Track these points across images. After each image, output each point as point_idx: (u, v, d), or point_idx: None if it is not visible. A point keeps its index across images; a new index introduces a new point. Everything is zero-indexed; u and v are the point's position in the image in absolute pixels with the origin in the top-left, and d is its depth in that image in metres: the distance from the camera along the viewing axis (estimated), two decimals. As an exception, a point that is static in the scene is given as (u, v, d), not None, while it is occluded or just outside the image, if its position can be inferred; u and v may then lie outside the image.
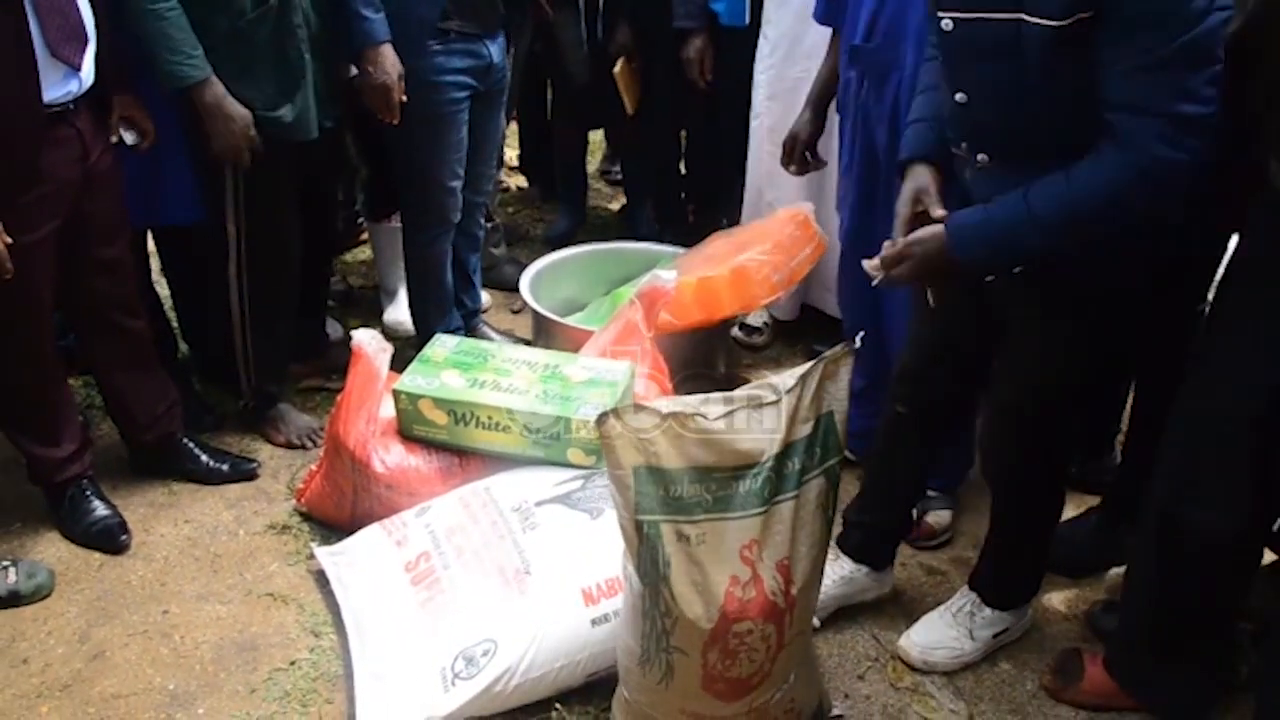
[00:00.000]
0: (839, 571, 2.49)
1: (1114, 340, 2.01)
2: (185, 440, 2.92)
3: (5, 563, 2.51)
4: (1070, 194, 1.74)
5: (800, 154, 2.82)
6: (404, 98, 2.88)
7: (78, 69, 2.30)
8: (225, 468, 2.94)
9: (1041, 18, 1.70)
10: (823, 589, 2.46)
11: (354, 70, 2.91)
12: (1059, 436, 2.16)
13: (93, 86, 2.39)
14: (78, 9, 2.28)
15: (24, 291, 2.36)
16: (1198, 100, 1.64)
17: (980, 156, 1.94)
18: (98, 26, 2.37)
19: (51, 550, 2.66)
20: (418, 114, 2.94)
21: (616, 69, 3.85)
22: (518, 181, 5.09)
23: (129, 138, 2.57)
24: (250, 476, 2.95)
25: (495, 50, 3.09)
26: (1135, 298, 1.94)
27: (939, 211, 1.95)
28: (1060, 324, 2.00)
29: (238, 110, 2.61)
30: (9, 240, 2.19)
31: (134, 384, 2.76)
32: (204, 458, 2.93)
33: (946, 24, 1.86)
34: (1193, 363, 2.02)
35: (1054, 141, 1.81)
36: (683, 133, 4.34)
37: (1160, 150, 1.66)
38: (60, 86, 2.29)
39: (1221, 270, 2.13)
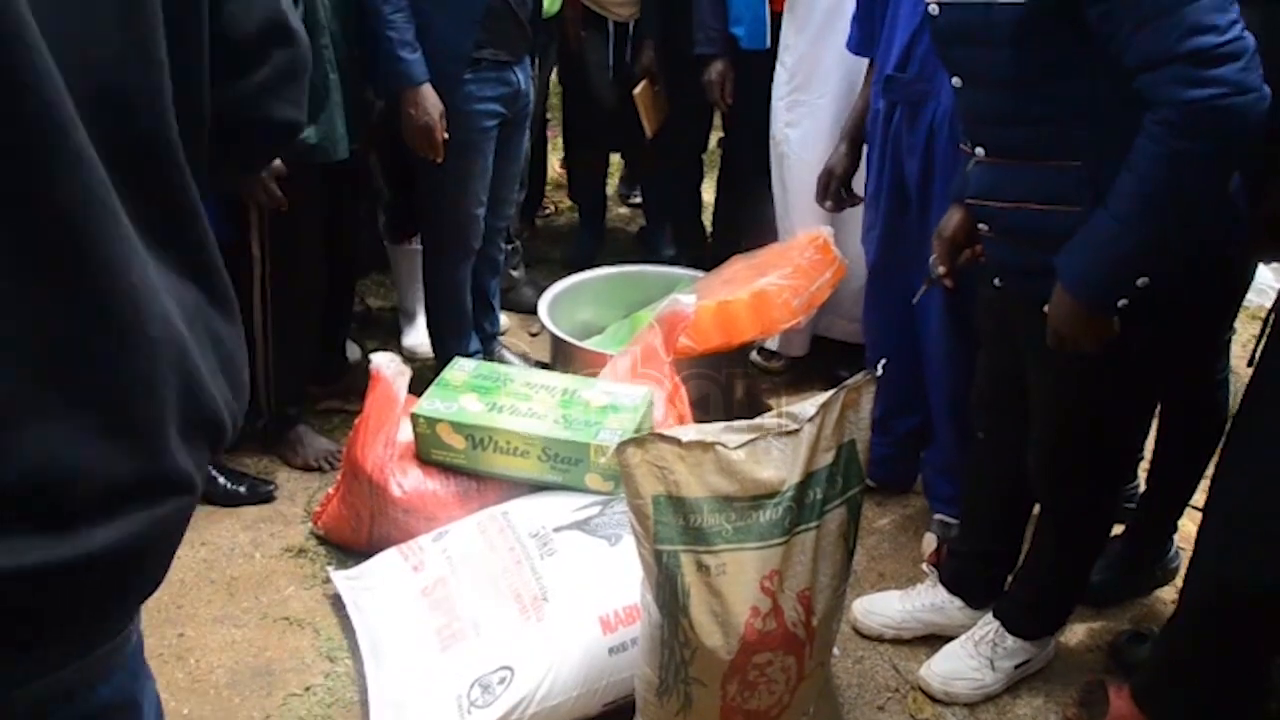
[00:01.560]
0: (930, 599, 2.48)
1: (1130, 367, 1.96)
2: None
3: None
4: (1136, 181, 1.69)
5: (837, 189, 2.80)
6: (446, 135, 2.89)
7: None
8: (242, 489, 2.94)
9: None
10: (911, 611, 2.47)
11: (375, 94, 2.92)
12: (1096, 467, 2.13)
13: None
14: None
15: None
16: (1208, 31, 1.57)
17: (978, 150, 1.95)
18: None
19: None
20: (448, 142, 2.94)
21: (637, 90, 3.86)
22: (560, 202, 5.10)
23: None
24: (267, 499, 2.94)
25: (523, 77, 3.10)
26: (1141, 322, 1.91)
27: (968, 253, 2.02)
28: (1056, 355, 1.98)
29: None
30: None
31: None
32: (221, 479, 2.92)
33: (933, 9, 1.89)
34: (1244, 419, 1.97)
35: (1039, 131, 1.82)
36: (703, 155, 4.35)
37: (1189, 94, 1.59)
38: None
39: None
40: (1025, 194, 1.89)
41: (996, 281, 2.07)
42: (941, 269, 2.15)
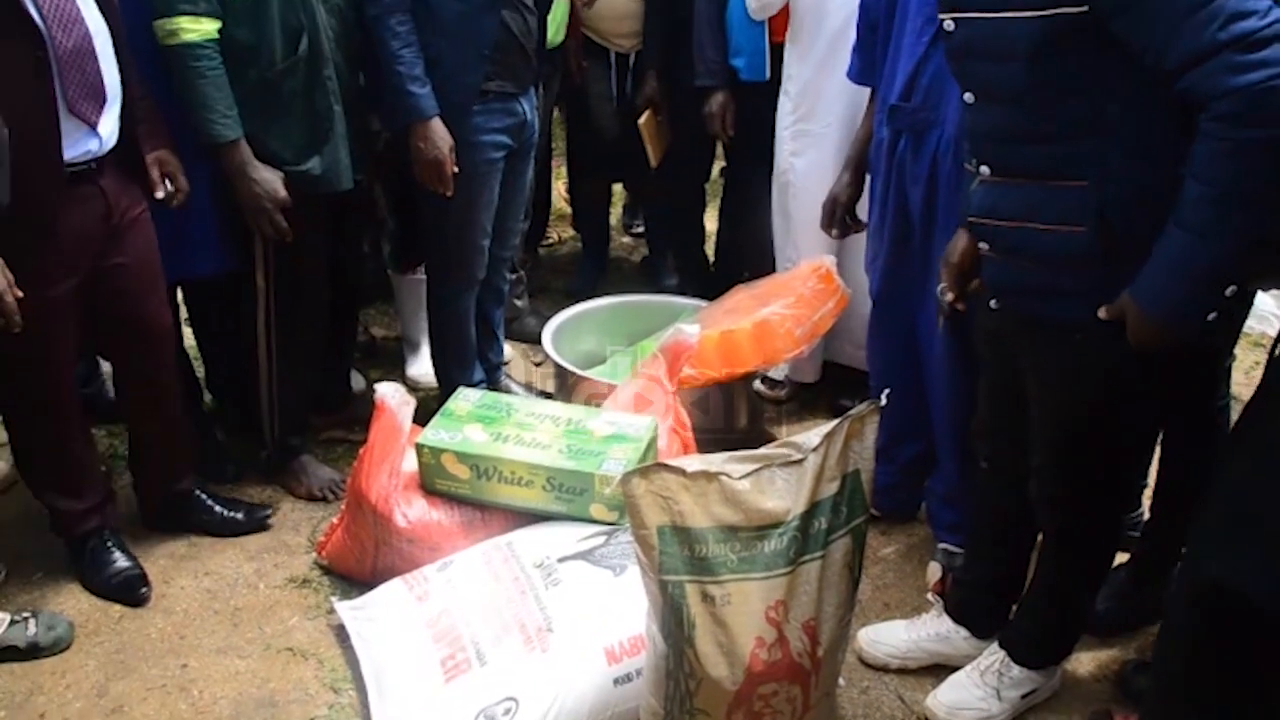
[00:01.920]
0: (936, 628, 2.47)
1: (1130, 392, 1.96)
2: (198, 493, 2.91)
3: (25, 614, 2.50)
4: (1202, 186, 1.66)
5: (841, 217, 2.82)
6: (455, 169, 2.90)
7: (94, 127, 2.31)
8: (240, 517, 2.93)
9: (1024, 10, 1.73)
10: (916, 641, 2.47)
11: (380, 124, 2.94)
12: (1098, 493, 2.12)
13: (117, 145, 2.40)
14: (98, 67, 2.30)
15: (43, 345, 2.38)
16: (1249, 15, 1.56)
17: (983, 168, 1.96)
18: (125, 85, 2.39)
19: (71, 602, 2.65)
20: (455, 174, 2.95)
21: (642, 120, 3.88)
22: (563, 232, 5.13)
23: (159, 192, 2.59)
24: (264, 526, 2.94)
25: (528, 108, 3.12)
26: (1127, 344, 1.90)
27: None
28: (1062, 378, 1.99)
29: (263, 175, 2.65)
30: (19, 294, 2.18)
31: (159, 437, 2.77)
32: (218, 509, 2.92)
33: (949, 24, 1.91)
34: (1245, 429, 1.97)
35: (1049, 150, 1.83)
36: (705, 185, 4.37)
37: (1241, 79, 1.56)
38: (80, 145, 2.31)
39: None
40: (1028, 213, 1.90)
41: (993, 303, 2.08)
42: (950, 295, 2.16)
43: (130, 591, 2.65)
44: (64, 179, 2.30)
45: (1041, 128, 1.84)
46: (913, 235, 2.61)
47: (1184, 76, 1.63)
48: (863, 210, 2.86)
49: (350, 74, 2.79)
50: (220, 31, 2.56)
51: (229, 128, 2.58)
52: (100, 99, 2.31)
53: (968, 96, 1.94)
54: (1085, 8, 1.69)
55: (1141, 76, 1.72)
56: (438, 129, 2.84)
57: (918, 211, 2.55)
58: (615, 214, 5.08)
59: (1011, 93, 1.85)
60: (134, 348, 2.62)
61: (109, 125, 2.36)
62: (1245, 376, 3.15)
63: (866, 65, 2.72)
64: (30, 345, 2.32)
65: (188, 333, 3.30)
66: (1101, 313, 1.84)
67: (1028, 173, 1.89)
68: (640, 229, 4.98)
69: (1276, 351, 1.88)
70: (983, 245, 2.02)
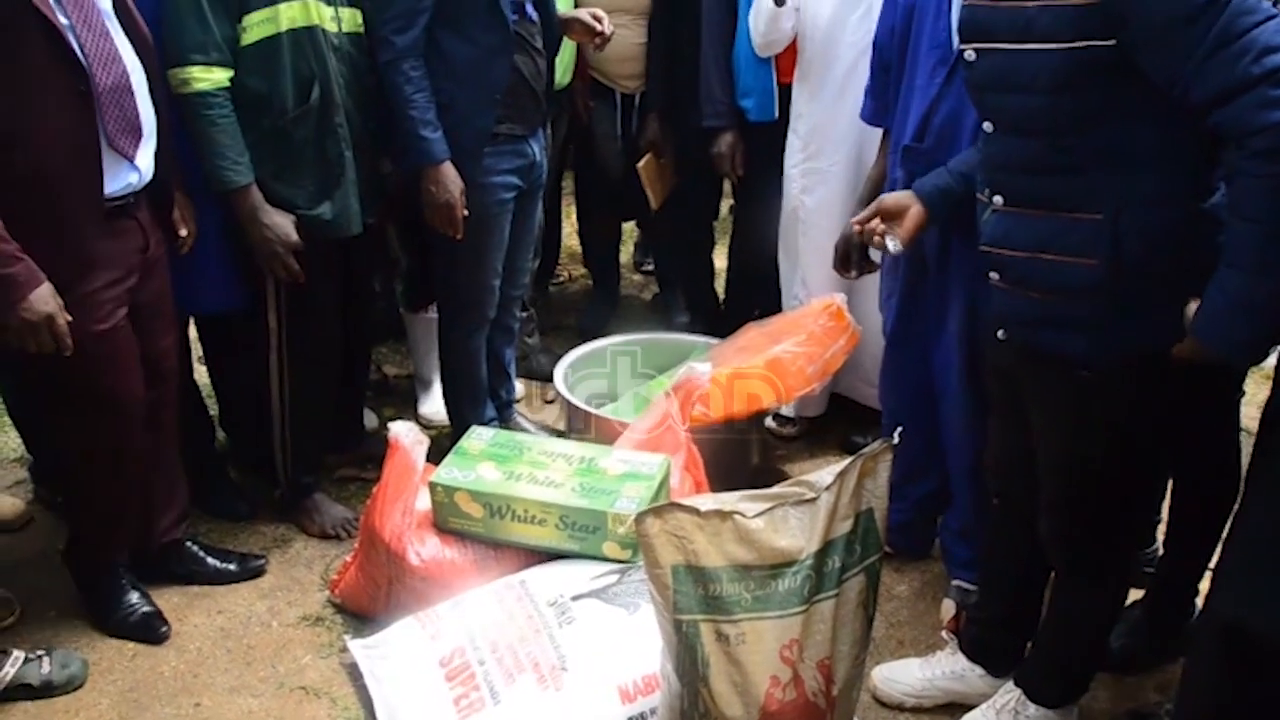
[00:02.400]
0: (951, 666, 2.46)
1: (1137, 426, 1.97)
2: (189, 543, 2.88)
3: (39, 652, 2.51)
4: (1250, 224, 1.66)
5: (857, 258, 2.82)
6: (466, 212, 2.92)
7: (132, 161, 2.35)
8: (233, 567, 2.91)
9: (1050, 42, 1.75)
10: (931, 679, 2.46)
11: (393, 165, 2.97)
12: (1107, 529, 2.12)
13: (152, 180, 2.44)
14: (135, 103, 2.34)
15: (110, 378, 2.40)
16: (1277, 49, 1.58)
17: (996, 198, 1.97)
18: (159, 123, 2.42)
19: (85, 640, 2.66)
20: (466, 216, 2.97)
21: (641, 164, 3.91)
22: (574, 270, 5.15)
23: (183, 230, 2.62)
24: (259, 573, 2.92)
25: (537, 148, 3.15)
26: (1147, 382, 1.92)
27: (893, 244, 2.24)
28: (1067, 415, 2.00)
29: (275, 219, 2.68)
30: (69, 318, 2.22)
31: (159, 484, 2.74)
32: (209, 559, 2.90)
33: (969, 55, 1.92)
34: (1262, 463, 1.97)
35: (1066, 181, 1.84)
36: (715, 223, 4.39)
37: (1275, 116, 1.58)
38: (120, 179, 2.34)
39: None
40: (1041, 244, 1.90)
41: (1001, 334, 2.08)
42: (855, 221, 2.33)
43: (149, 630, 2.65)
44: (104, 212, 2.33)
45: (1060, 159, 1.85)
46: (927, 275, 2.62)
47: (1216, 111, 1.64)
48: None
49: (360, 119, 2.82)
50: (232, 80, 2.60)
51: (240, 174, 2.62)
52: (137, 134, 2.35)
53: (986, 125, 1.96)
54: (1113, 41, 1.70)
55: (1162, 110, 1.73)
56: (449, 173, 2.87)
57: (932, 251, 2.55)
58: (626, 252, 5.10)
59: (1032, 123, 1.86)
60: (149, 390, 2.60)
61: (146, 159, 2.39)
62: (1258, 410, 3.14)
63: (880, 106, 2.74)
64: (102, 381, 2.37)
65: (201, 370, 3.32)
66: (1175, 351, 1.83)
67: (1043, 204, 1.89)
68: (650, 267, 5.00)
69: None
70: (993, 275, 2.03)
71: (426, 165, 2.86)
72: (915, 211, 2.25)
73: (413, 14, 2.76)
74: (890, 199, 2.32)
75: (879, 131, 2.80)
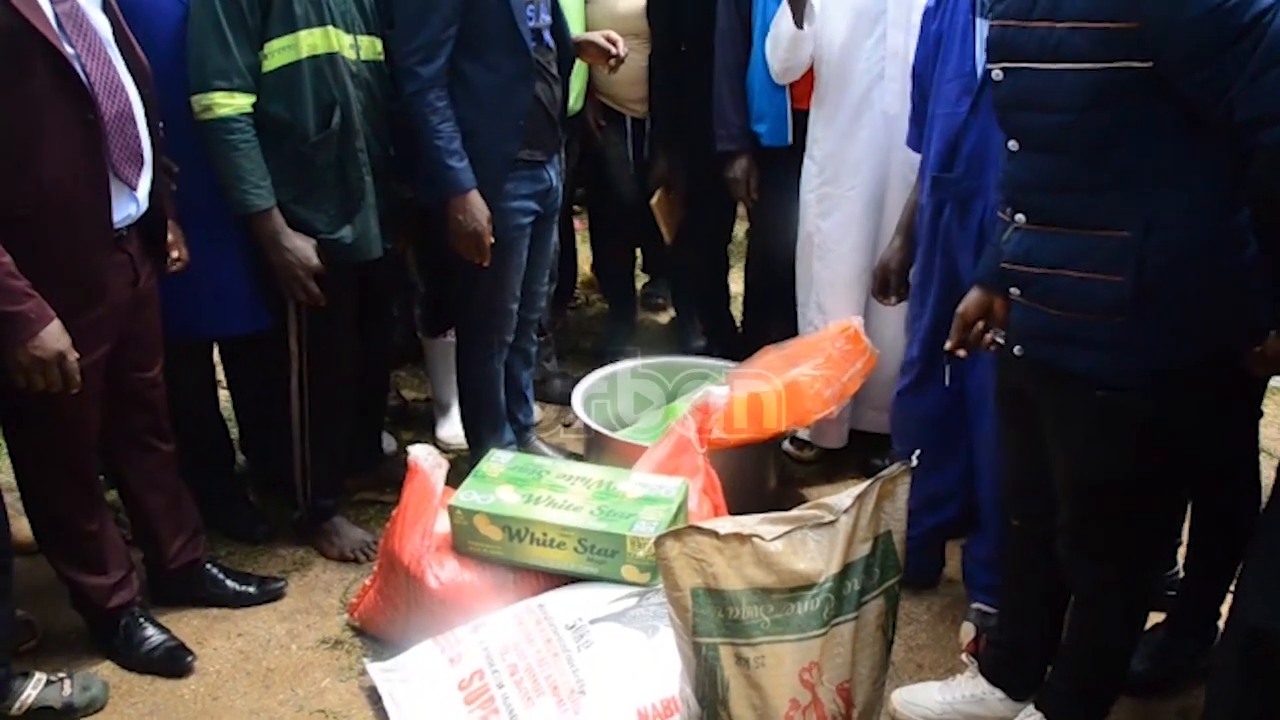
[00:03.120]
0: (971, 689, 2.45)
1: (1151, 444, 1.96)
2: (209, 566, 2.89)
3: (60, 675, 2.51)
4: None
5: (896, 283, 2.82)
6: (493, 240, 2.94)
7: (134, 189, 2.36)
8: (253, 590, 2.91)
9: (1083, 62, 1.75)
10: (951, 703, 2.45)
11: (415, 196, 2.99)
12: (1124, 549, 2.11)
13: (146, 212, 2.44)
14: (137, 132, 2.35)
15: (77, 414, 2.39)
16: None
17: (1018, 217, 1.96)
18: (154, 153, 2.43)
19: (105, 663, 2.66)
20: (493, 243, 2.99)
21: (654, 200, 3.93)
22: (591, 294, 5.16)
23: (175, 251, 2.61)
24: (278, 596, 2.93)
25: (554, 173, 3.17)
26: (1163, 399, 1.91)
27: (1000, 337, 2.07)
28: (1083, 436, 1.99)
29: (296, 243, 2.70)
30: (78, 355, 2.22)
31: (163, 507, 2.73)
32: (229, 582, 2.90)
33: (997, 74, 1.92)
34: None
35: (1093, 200, 1.84)
36: (729, 246, 4.40)
37: None
38: (122, 209, 2.35)
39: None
40: (1064, 260, 1.90)
41: (1017, 350, 2.07)
42: (951, 345, 2.19)
43: (175, 663, 2.64)
44: (112, 241, 2.34)
45: (1087, 177, 1.84)
46: (962, 295, 2.60)
47: (1260, 132, 1.65)
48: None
49: (379, 145, 2.85)
50: (255, 106, 2.63)
51: (261, 198, 2.64)
52: (140, 162, 2.36)
53: (1012, 144, 1.95)
54: (1149, 63, 1.70)
55: (1190, 127, 1.74)
56: (476, 201, 2.88)
57: (968, 276, 2.51)
58: (642, 277, 5.11)
59: (1059, 142, 1.86)
60: (134, 417, 2.60)
61: (144, 189, 2.40)
62: (1279, 432, 3.13)
63: (919, 133, 2.74)
64: (65, 415, 2.35)
65: (223, 395, 3.35)
66: (1264, 350, 1.86)
67: (1068, 222, 1.89)
68: (661, 300, 5.01)
69: None
70: (1013, 290, 2.02)
71: (454, 194, 2.87)
72: (999, 304, 2.13)
73: (437, 45, 2.78)
74: (969, 307, 2.16)
75: (897, 157, 2.81)
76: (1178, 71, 1.69)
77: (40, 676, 2.48)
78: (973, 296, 2.16)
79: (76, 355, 2.21)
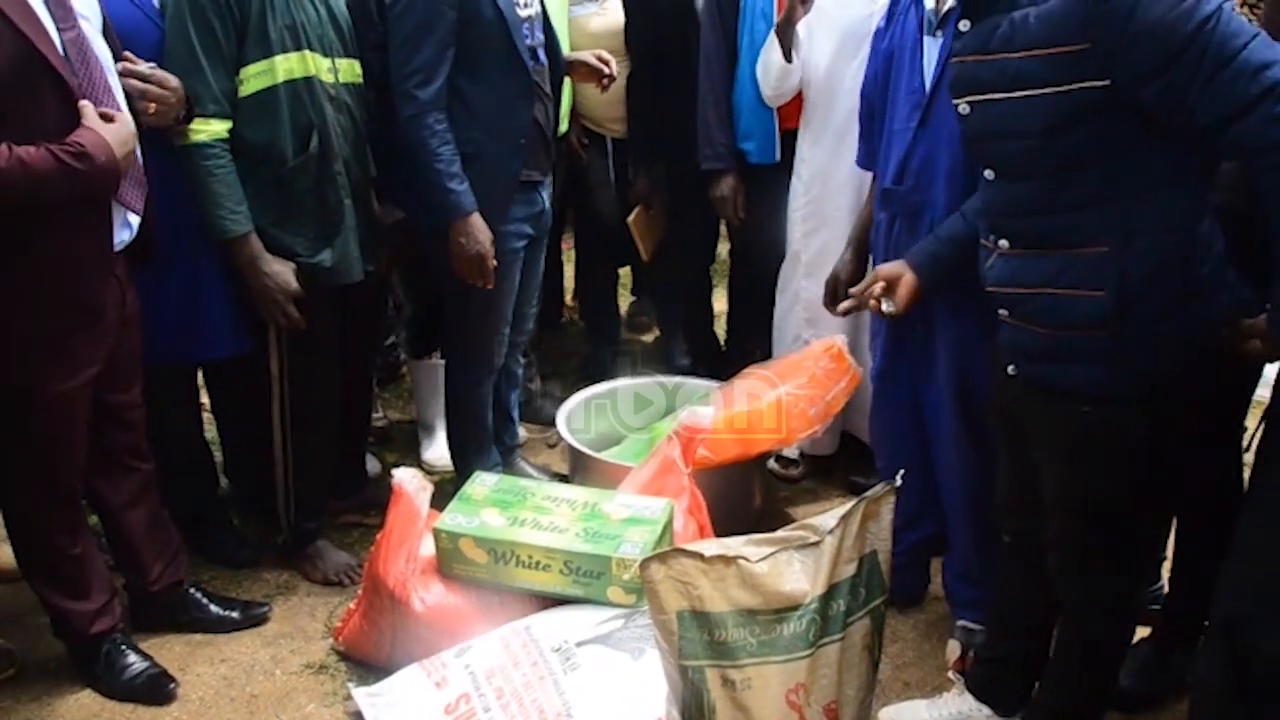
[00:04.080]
0: (958, 706, 2.45)
1: (1139, 458, 1.97)
2: (192, 590, 2.87)
3: None
4: None
5: (844, 294, 2.85)
6: (495, 262, 2.93)
7: (139, 213, 2.38)
8: (236, 614, 2.89)
9: (1042, 88, 1.78)
10: (939, 719, 2.44)
11: (397, 214, 2.98)
12: (1114, 564, 2.11)
13: (135, 237, 2.45)
14: (138, 156, 2.36)
15: (63, 436, 2.39)
16: (1274, 64, 1.63)
17: (1001, 243, 1.98)
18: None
19: (85, 692, 2.64)
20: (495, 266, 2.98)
21: (631, 218, 3.93)
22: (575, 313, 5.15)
23: None
24: (262, 620, 2.91)
25: (546, 195, 3.17)
26: (1149, 413, 1.93)
27: (888, 306, 2.40)
28: (1070, 451, 2.01)
29: (274, 268, 2.69)
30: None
31: (144, 529, 2.71)
32: (212, 607, 2.88)
33: (964, 109, 1.95)
34: (1264, 471, 1.98)
35: (1071, 219, 1.86)
36: (712, 266, 4.41)
37: None
38: (119, 234, 2.36)
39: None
40: (1047, 279, 1.92)
41: (1010, 369, 2.09)
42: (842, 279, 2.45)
43: (158, 690, 2.61)
44: (110, 264, 2.35)
45: (1062, 198, 1.86)
46: (911, 315, 2.63)
47: (1223, 132, 1.68)
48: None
49: (359, 168, 2.85)
50: (232, 132, 2.63)
51: (238, 223, 2.64)
52: (142, 186, 2.38)
53: (987, 173, 1.98)
54: (1107, 81, 1.73)
55: (1156, 139, 1.77)
56: (478, 224, 2.87)
57: None
58: (626, 298, 5.11)
59: (1031, 167, 1.88)
60: (115, 438, 2.58)
61: (137, 215, 2.41)
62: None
63: (870, 151, 2.79)
64: (54, 438, 2.35)
65: (207, 418, 3.33)
66: (1246, 346, 1.89)
67: (1048, 243, 1.91)
68: (646, 319, 5.01)
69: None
70: (1002, 311, 2.04)
71: (456, 218, 2.86)
72: (908, 280, 2.40)
73: (434, 66, 2.78)
74: (885, 269, 2.47)
75: (871, 178, 2.85)
76: (1132, 86, 1.72)
77: None
78: (893, 264, 2.45)
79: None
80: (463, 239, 2.87)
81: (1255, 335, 1.87)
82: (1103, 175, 1.82)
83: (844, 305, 2.61)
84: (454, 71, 2.82)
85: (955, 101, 1.96)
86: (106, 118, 2.21)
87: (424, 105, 2.79)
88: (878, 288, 2.43)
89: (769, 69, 3.32)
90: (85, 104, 2.18)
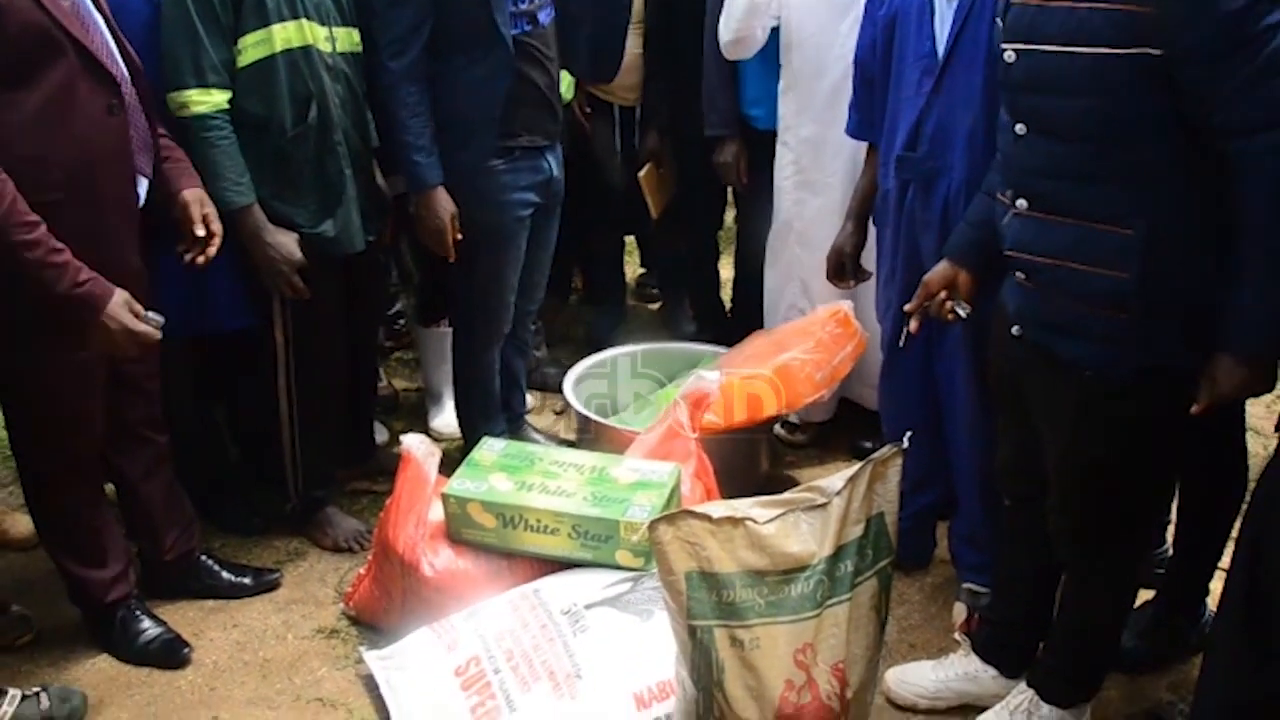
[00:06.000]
0: (964, 668, 2.48)
1: (1142, 426, 1.98)
2: (204, 558, 2.89)
3: (35, 689, 2.44)
4: (1265, 239, 1.74)
5: (851, 267, 2.85)
6: (459, 235, 2.95)
7: (149, 177, 2.39)
8: (248, 581, 2.92)
9: (1101, 46, 1.75)
10: (945, 681, 2.47)
11: (402, 184, 2.99)
12: (1116, 528, 2.12)
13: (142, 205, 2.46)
14: (144, 120, 2.38)
15: (81, 406, 2.40)
16: None
17: (1020, 202, 1.97)
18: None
19: (101, 657, 2.67)
20: (484, 233, 3.00)
21: (642, 173, 3.92)
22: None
23: (199, 229, 2.61)
24: (274, 587, 2.94)
25: (554, 162, 3.16)
26: (1145, 392, 1.93)
27: (962, 309, 2.20)
28: (1071, 417, 2.01)
29: (278, 238, 2.70)
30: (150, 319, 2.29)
31: (160, 499, 2.74)
32: (225, 574, 2.91)
33: (1010, 56, 1.92)
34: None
35: (1097, 191, 1.85)
36: (719, 233, 4.40)
37: None
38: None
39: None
40: (1068, 252, 1.91)
41: (1015, 329, 2.08)
42: (909, 307, 2.33)
43: (172, 655, 2.64)
44: (136, 226, 2.36)
45: (1094, 168, 1.85)
46: None
47: (1237, 138, 1.69)
48: (868, 260, 2.91)
49: (359, 137, 2.85)
50: (231, 103, 2.63)
51: (241, 194, 2.64)
52: (150, 150, 2.39)
53: (1019, 128, 1.95)
54: (1162, 51, 1.71)
55: (1192, 128, 1.76)
56: (440, 198, 2.89)
57: (930, 259, 2.55)
58: (630, 265, 5.10)
59: (1069, 128, 1.86)
60: (132, 408, 2.60)
61: (145, 180, 2.42)
62: (1266, 410, 3.15)
63: (865, 120, 2.77)
64: (71, 406, 2.36)
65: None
66: (1202, 402, 1.87)
67: (1070, 211, 1.90)
68: (655, 290, 5.00)
69: None
70: (1019, 275, 2.04)
71: (419, 190, 2.89)
72: (964, 278, 2.27)
73: (408, 38, 2.79)
74: (935, 277, 2.31)
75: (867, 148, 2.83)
76: (1178, 61, 1.71)
77: (15, 693, 2.41)
78: (939, 268, 2.27)
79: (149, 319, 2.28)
80: (424, 211, 2.91)
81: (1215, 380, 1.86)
82: (1138, 153, 1.81)
83: (913, 326, 2.40)
84: (431, 42, 2.82)
85: (1004, 46, 1.93)
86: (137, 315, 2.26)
87: (397, 76, 2.80)
88: (940, 299, 2.29)
89: (733, 5, 3.24)
90: (124, 296, 2.23)
